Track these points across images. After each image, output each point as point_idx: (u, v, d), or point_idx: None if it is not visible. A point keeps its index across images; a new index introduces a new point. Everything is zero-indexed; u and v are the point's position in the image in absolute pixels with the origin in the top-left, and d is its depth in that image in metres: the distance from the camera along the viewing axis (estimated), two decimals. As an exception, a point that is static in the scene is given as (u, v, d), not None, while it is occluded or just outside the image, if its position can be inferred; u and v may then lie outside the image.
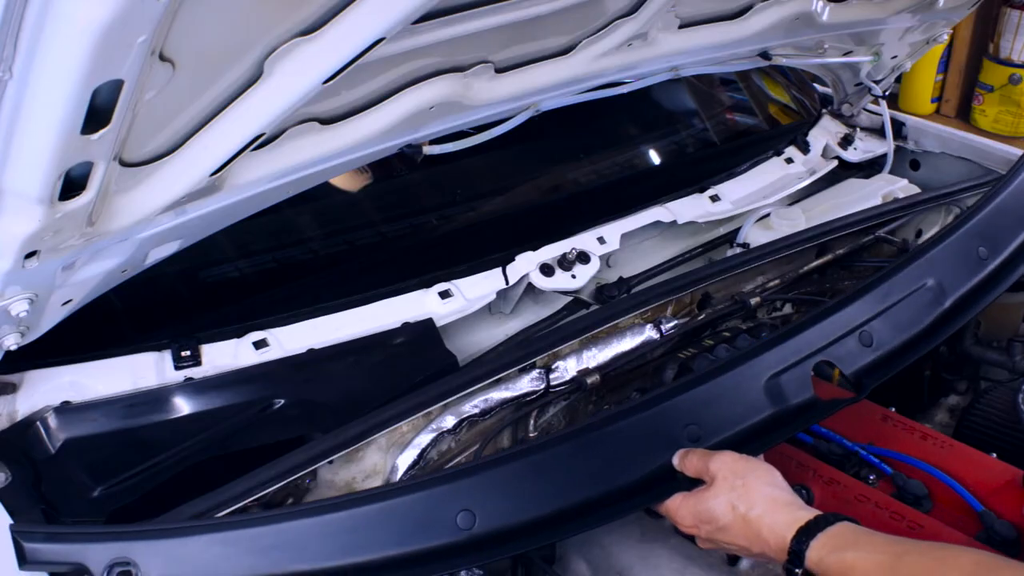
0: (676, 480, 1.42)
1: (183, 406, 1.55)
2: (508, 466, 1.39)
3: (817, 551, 1.21)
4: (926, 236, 2.31)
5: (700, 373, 1.56)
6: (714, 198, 2.28)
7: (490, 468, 1.39)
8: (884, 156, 2.63)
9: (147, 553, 1.22)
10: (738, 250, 2.26)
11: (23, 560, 1.19)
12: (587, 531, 1.44)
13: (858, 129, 2.70)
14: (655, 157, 2.52)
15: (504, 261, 1.93)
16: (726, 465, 1.36)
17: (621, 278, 2.05)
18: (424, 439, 1.60)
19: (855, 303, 1.68)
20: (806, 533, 1.24)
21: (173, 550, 1.24)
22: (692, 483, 1.40)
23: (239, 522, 1.29)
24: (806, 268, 2.14)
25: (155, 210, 1.31)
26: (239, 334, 1.68)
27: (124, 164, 1.22)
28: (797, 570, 1.23)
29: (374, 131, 1.57)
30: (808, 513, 1.27)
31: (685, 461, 1.42)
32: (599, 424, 1.45)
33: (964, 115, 5.78)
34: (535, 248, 1.95)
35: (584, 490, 1.39)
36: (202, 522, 1.30)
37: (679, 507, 1.39)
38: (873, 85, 2.58)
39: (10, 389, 1.49)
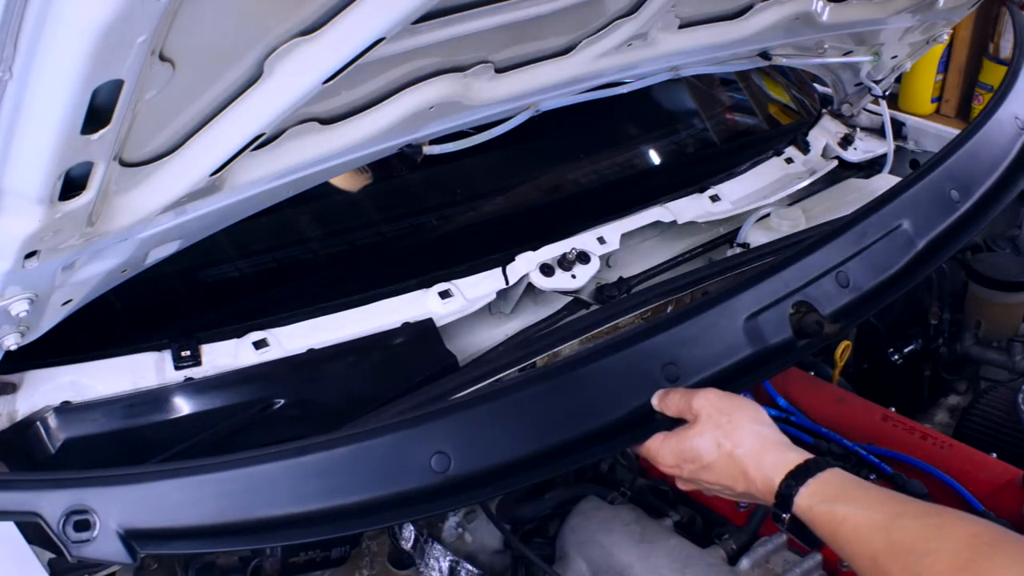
0: (655, 421, 1.38)
1: (183, 406, 1.55)
2: (482, 407, 1.35)
3: (807, 498, 1.18)
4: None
5: (678, 312, 1.53)
6: (714, 198, 2.28)
7: (464, 409, 1.35)
8: (884, 156, 2.62)
9: (106, 499, 1.15)
10: (738, 250, 2.26)
11: None
12: (564, 471, 1.40)
13: (858, 129, 2.70)
14: (655, 157, 2.52)
15: (504, 261, 1.92)
16: (710, 402, 1.32)
17: (621, 278, 2.05)
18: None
19: (831, 244, 1.66)
20: (795, 477, 1.20)
21: (134, 496, 1.17)
22: (673, 423, 1.36)
23: (204, 466, 1.23)
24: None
25: (155, 210, 1.31)
26: (239, 334, 1.68)
27: (124, 164, 1.22)
28: (784, 515, 1.20)
29: (374, 131, 1.56)
30: (798, 456, 1.24)
31: (666, 401, 1.37)
32: (575, 364, 1.42)
33: (964, 115, 5.77)
34: (535, 248, 1.95)
35: (561, 431, 1.36)
36: (165, 466, 1.25)
37: (660, 446, 1.35)
38: (873, 85, 2.58)
39: (10, 389, 1.49)
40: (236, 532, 1.21)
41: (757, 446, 1.27)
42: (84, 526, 1.14)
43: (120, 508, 1.16)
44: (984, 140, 1.97)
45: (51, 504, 1.14)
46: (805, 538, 1.22)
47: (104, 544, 1.14)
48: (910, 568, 1.03)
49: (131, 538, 1.16)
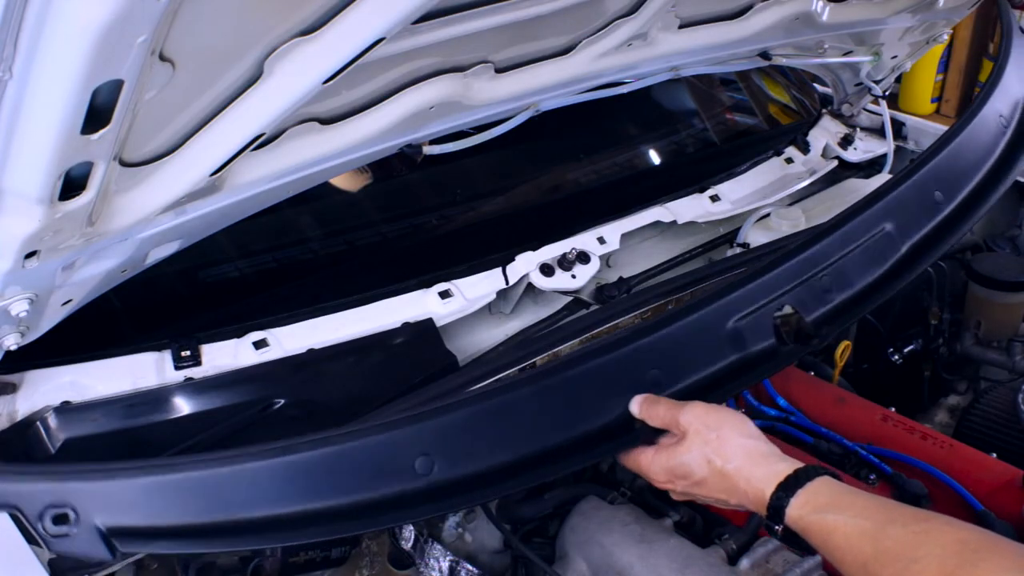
0: (638, 429, 1.38)
1: (183, 406, 1.55)
2: (467, 410, 1.35)
3: (797, 508, 1.19)
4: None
5: (661, 318, 1.52)
6: (714, 198, 2.28)
7: (448, 412, 1.35)
8: (884, 156, 2.62)
9: (87, 496, 1.14)
10: (738, 250, 2.26)
11: None
12: (549, 479, 1.39)
13: (858, 129, 2.70)
14: (655, 157, 2.52)
15: (504, 261, 1.92)
16: (698, 417, 1.32)
17: (621, 278, 2.05)
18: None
19: (814, 248, 1.66)
20: (785, 488, 1.21)
21: (115, 494, 1.16)
22: (656, 433, 1.37)
23: (188, 464, 1.23)
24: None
25: (155, 210, 1.31)
26: (239, 334, 1.67)
27: (124, 164, 1.22)
28: (777, 526, 1.21)
29: (374, 131, 1.56)
30: (788, 466, 1.24)
31: (651, 411, 1.38)
32: (560, 368, 1.42)
33: (964, 115, 5.78)
34: (535, 248, 1.95)
35: (545, 436, 1.35)
36: (148, 463, 1.24)
37: (651, 463, 1.36)
38: (873, 85, 2.58)
39: (10, 389, 1.49)
40: (218, 533, 1.20)
41: (746, 460, 1.27)
42: (63, 520, 1.13)
43: (101, 506, 1.15)
44: (968, 139, 1.95)
45: (31, 498, 1.13)
46: (799, 547, 1.24)
47: (83, 540, 1.13)
48: (899, 575, 1.04)
49: (112, 535, 1.15)
